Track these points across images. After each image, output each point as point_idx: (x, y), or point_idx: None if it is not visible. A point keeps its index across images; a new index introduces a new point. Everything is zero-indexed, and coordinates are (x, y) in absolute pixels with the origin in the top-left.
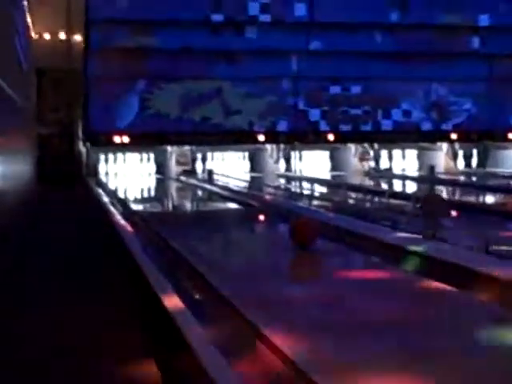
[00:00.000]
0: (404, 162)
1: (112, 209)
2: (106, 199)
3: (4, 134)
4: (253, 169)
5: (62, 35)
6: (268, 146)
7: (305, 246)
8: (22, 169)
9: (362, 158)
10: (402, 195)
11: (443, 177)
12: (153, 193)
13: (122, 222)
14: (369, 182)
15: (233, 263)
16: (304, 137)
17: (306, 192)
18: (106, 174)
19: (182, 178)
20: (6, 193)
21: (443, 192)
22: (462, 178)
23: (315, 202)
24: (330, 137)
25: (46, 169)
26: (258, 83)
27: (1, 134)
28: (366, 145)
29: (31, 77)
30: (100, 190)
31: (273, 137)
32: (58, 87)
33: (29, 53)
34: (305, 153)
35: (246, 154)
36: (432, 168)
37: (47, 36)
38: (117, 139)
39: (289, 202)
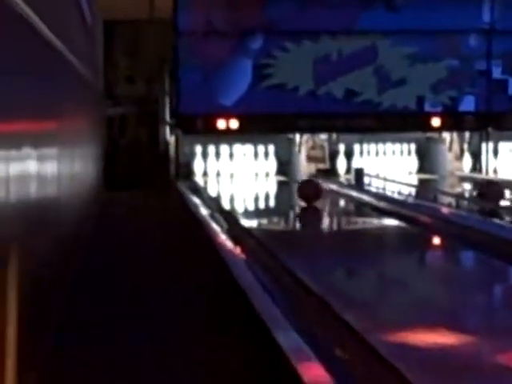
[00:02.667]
0: None
1: (214, 225)
2: (204, 211)
3: (60, 116)
4: (422, 168)
5: None
6: (446, 135)
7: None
8: (84, 167)
9: None
10: None
11: None
12: (272, 202)
13: (229, 245)
14: None
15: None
16: (502, 120)
17: (504, 203)
18: (205, 174)
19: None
20: (61, 205)
21: None
22: None
23: None
24: None
25: (117, 167)
26: (432, 40)
27: (55, 117)
28: None
29: (98, 34)
30: (196, 199)
31: (453, 120)
32: (134, 47)
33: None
34: (503, 144)
35: (413, 146)
36: None
37: None
38: (221, 124)
39: (477, 217)
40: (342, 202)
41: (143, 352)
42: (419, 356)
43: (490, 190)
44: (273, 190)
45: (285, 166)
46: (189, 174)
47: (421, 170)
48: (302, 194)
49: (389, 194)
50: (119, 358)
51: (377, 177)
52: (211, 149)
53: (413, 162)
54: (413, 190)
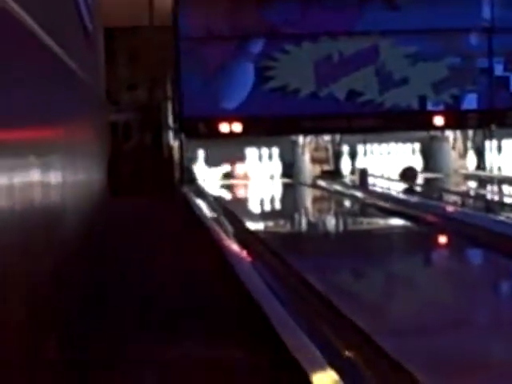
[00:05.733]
0: None
1: (218, 229)
2: (209, 215)
3: (63, 122)
4: (427, 167)
5: None
6: (449, 133)
7: None
8: (88, 173)
9: None
10: None
11: None
12: (278, 204)
13: (235, 248)
14: None
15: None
16: (505, 117)
17: (509, 201)
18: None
19: (321, 182)
20: (66, 213)
21: None
22: None
23: None
24: None
25: (121, 173)
26: (433, 39)
27: (59, 123)
28: None
29: (99, 41)
30: (201, 202)
31: (456, 118)
32: (135, 54)
33: (95, 8)
34: (506, 142)
35: (417, 145)
36: None
37: None
38: (224, 127)
39: (483, 215)
40: (347, 203)
41: None
42: (428, 356)
43: (407, 173)
44: (278, 192)
45: (289, 168)
46: (193, 177)
47: (425, 168)
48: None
49: (393, 193)
50: None
51: (381, 177)
52: None
53: (417, 161)
54: (418, 189)
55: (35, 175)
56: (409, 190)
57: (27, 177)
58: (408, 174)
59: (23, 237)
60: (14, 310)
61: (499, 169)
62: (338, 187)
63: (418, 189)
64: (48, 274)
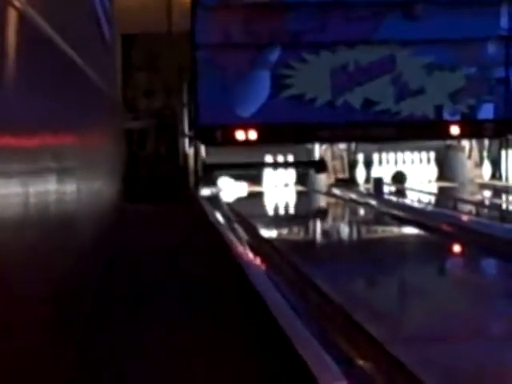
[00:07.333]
0: None
1: (231, 237)
2: (223, 222)
3: (79, 129)
4: (442, 176)
5: None
6: (465, 143)
7: None
8: (104, 181)
9: None
10: None
11: None
12: (292, 211)
13: (249, 256)
14: None
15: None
16: None
17: None
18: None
19: (336, 190)
20: (81, 221)
21: None
22: None
23: None
24: None
25: (137, 180)
26: (449, 48)
27: (75, 130)
28: None
29: (116, 48)
30: (215, 210)
31: (472, 128)
32: (152, 61)
33: (112, 14)
34: None
35: (432, 154)
36: None
37: None
38: (240, 135)
39: (498, 225)
40: (361, 211)
41: None
42: (442, 367)
43: (397, 176)
44: (292, 200)
45: (304, 176)
46: (209, 184)
47: (440, 178)
48: None
49: (408, 202)
50: None
51: (396, 186)
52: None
53: (432, 170)
54: (433, 199)
55: (51, 182)
56: (398, 192)
57: (43, 183)
58: (398, 178)
59: (38, 242)
60: (33, 311)
61: None
62: (352, 195)
63: (407, 192)
64: (60, 284)
